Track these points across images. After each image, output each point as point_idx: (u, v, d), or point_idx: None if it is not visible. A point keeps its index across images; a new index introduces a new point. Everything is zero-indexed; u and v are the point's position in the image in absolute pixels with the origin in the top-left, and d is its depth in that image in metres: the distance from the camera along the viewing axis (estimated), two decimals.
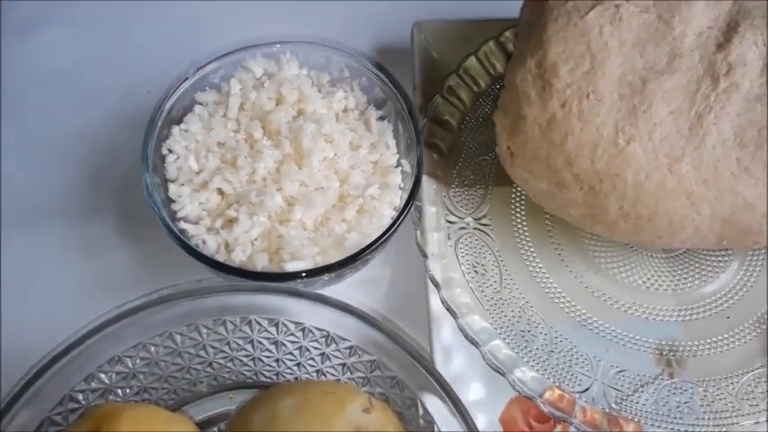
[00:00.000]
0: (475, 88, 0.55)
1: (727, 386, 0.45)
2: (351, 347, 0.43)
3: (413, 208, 0.48)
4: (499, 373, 0.44)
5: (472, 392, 0.46)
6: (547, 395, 0.43)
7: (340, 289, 0.48)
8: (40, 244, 0.53)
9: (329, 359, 0.44)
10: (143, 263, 0.52)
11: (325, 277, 0.43)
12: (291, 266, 0.42)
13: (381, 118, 0.50)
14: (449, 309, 0.45)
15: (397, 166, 0.49)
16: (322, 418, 0.37)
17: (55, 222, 0.53)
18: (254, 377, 0.45)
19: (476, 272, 0.49)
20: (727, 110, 0.43)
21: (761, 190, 0.42)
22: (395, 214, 0.47)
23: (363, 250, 0.43)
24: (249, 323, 0.43)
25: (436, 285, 0.46)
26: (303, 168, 0.46)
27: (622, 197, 0.43)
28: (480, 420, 0.45)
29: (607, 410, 0.43)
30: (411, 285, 0.50)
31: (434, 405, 0.40)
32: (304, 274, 0.42)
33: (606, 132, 0.43)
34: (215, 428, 0.46)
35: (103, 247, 0.52)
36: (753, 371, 0.46)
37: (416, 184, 0.46)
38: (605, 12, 0.45)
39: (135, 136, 0.48)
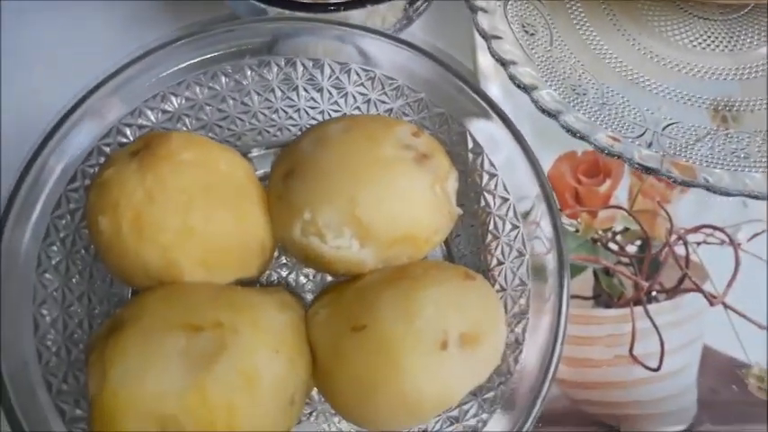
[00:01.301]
0: None
1: None
2: (397, 88, 0.41)
3: None
4: (550, 116, 0.42)
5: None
6: (600, 135, 0.42)
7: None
8: None
9: (375, 106, 0.43)
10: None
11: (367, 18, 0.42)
12: None
13: None
14: (499, 59, 0.44)
15: None
16: (370, 136, 0.36)
17: None
18: (299, 132, 0.45)
19: (525, 32, 0.47)
20: None
21: None
22: None
23: None
24: (294, 64, 0.42)
25: (485, 37, 0.45)
26: None
27: None
28: (523, 176, 0.44)
29: (662, 154, 0.42)
30: (458, 48, 0.48)
31: (483, 131, 0.39)
32: (346, 5, 0.40)
33: None
34: None
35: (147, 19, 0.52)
36: None
37: None
38: None
39: None
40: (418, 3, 0.45)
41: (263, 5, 0.42)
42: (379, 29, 0.40)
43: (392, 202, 0.34)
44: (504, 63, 0.44)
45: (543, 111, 0.42)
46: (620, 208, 0.44)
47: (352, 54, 0.41)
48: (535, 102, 0.43)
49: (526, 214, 0.37)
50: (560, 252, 0.35)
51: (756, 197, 0.40)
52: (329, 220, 0.34)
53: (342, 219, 0.34)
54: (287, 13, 0.42)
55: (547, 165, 0.45)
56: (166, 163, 0.34)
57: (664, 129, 0.44)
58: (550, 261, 0.35)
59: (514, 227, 0.37)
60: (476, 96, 0.38)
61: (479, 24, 0.45)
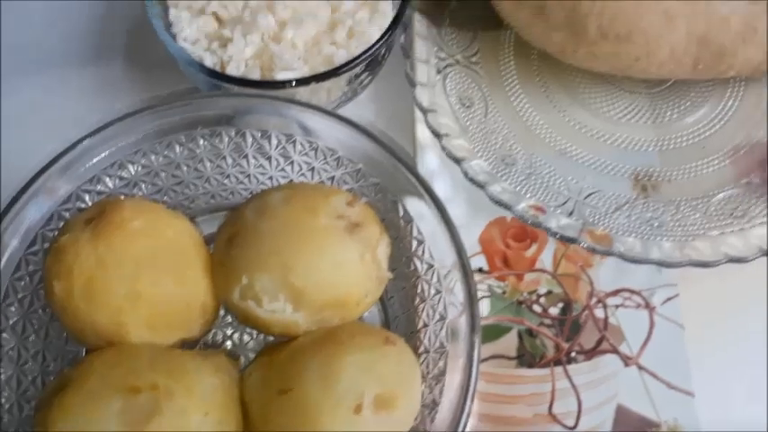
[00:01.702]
0: None
1: (698, 205, 0.48)
2: (338, 159, 0.45)
3: (404, 41, 0.51)
4: (478, 186, 0.46)
5: (453, 214, 0.46)
6: (522, 206, 0.46)
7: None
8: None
9: (319, 173, 0.46)
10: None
11: (313, 94, 0.46)
12: (281, 76, 0.45)
13: None
14: (433, 132, 0.48)
15: None
16: (307, 207, 0.39)
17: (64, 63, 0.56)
18: (249, 195, 0.48)
19: (462, 104, 0.51)
20: None
21: (734, 4, 0.44)
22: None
23: (349, 62, 0.45)
24: (243, 135, 0.45)
25: (423, 111, 0.49)
26: None
27: (601, 15, 0.45)
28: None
29: (581, 222, 0.46)
30: (399, 119, 0.52)
31: (412, 202, 0.43)
32: (294, 83, 0.44)
33: None
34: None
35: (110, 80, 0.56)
36: (723, 191, 0.48)
37: (401, 10, 0.47)
38: None
39: None
40: (362, 77, 0.49)
41: (217, 81, 0.46)
42: (320, 106, 0.43)
43: (324, 269, 0.37)
44: (438, 135, 0.47)
45: (472, 181, 0.46)
46: (545, 271, 0.47)
47: (297, 127, 0.45)
48: (465, 173, 0.46)
49: (446, 279, 0.41)
50: (472, 316, 0.38)
51: (664, 265, 0.44)
52: (265, 285, 0.37)
53: (277, 285, 0.37)
54: (238, 89, 0.45)
55: (479, 229, 0.49)
56: (118, 231, 0.38)
57: (586, 197, 0.48)
58: (463, 324, 0.38)
59: (437, 291, 0.41)
60: (407, 173, 0.42)
61: (417, 98, 0.49)
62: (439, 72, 0.52)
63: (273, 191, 0.42)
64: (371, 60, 0.47)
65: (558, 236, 0.45)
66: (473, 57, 0.53)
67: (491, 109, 0.51)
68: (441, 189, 0.49)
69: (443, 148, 0.47)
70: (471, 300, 0.38)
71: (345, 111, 0.52)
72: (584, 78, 0.52)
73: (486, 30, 0.53)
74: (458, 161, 0.47)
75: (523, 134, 0.51)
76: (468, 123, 0.50)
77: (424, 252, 0.42)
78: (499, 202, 0.45)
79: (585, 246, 0.44)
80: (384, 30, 0.47)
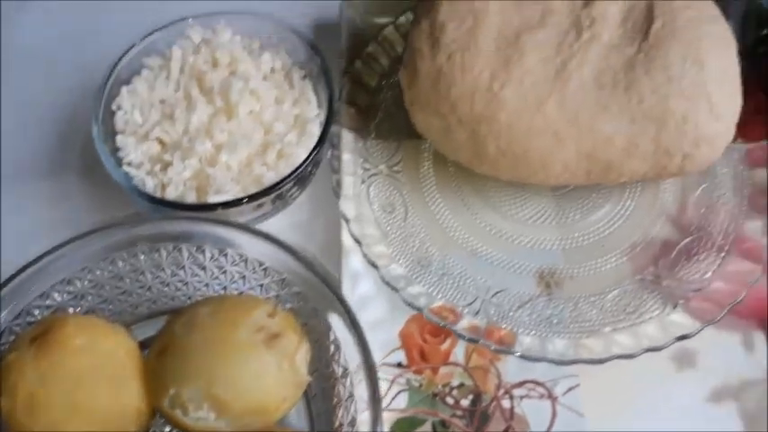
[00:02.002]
0: (392, 53, 0.63)
1: (595, 301, 0.52)
2: (265, 269, 0.50)
3: (331, 156, 0.56)
4: (393, 289, 0.51)
5: (376, 312, 0.53)
6: (433, 306, 0.50)
7: (267, 228, 0.56)
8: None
9: (249, 281, 0.51)
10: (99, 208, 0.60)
11: (245, 209, 0.51)
12: (214, 198, 0.50)
13: (304, 77, 0.58)
14: (355, 239, 0.53)
15: (316, 118, 0.56)
16: (231, 322, 0.44)
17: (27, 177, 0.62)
18: (188, 300, 0.53)
19: (384, 210, 0.56)
20: (588, 57, 0.49)
21: (617, 125, 0.49)
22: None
23: (276, 184, 0.50)
24: (180, 250, 0.50)
25: (346, 220, 0.54)
26: (231, 120, 0.54)
27: (498, 137, 0.50)
28: (381, 335, 0.52)
29: (485, 321, 0.51)
30: (329, 225, 0.57)
31: (331, 313, 0.47)
32: (223, 205, 0.49)
33: (483, 80, 0.50)
34: None
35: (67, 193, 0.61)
36: (619, 288, 0.53)
37: (325, 131, 0.53)
38: None
39: None
40: (293, 190, 0.54)
41: (154, 205, 0.51)
42: (248, 226, 0.49)
43: (243, 380, 0.42)
44: (358, 242, 0.52)
45: (388, 285, 0.51)
46: (458, 365, 0.52)
47: (228, 242, 0.50)
48: (382, 278, 0.51)
49: (357, 382, 0.45)
50: (375, 413, 0.42)
51: (558, 363, 0.48)
52: (191, 396, 0.42)
53: (201, 395, 0.42)
54: (174, 212, 0.51)
55: (399, 325, 0.53)
56: (60, 349, 0.43)
57: (492, 296, 0.53)
58: (365, 421, 0.42)
59: (350, 395, 0.45)
60: (325, 287, 0.47)
61: (341, 209, 0.54)
62: (363, 182, 0.57)
63: (201, 305, 0.46)
64: (299, 178, 0.53)
65: (464, 337, 0.49)
66: (396, 165, 0.59)
67: (410, 213, 0.57)
68: (364, 288, 0.54)
69: (363, 255, 0.52)
70: (375, 402, 0.43)
71: (279, 218, 0.57)
72: (494, 184, 0.57)
73: (409, 139, 0.59)
74: (375, 267, 0.51)
75: (439, 236, 0.56)
76: (388, 228, 0.55)
77: (340, 356, 0.47)
78: (411, 305, 0.50)
79: (487, 346, 0.49)
80: (310, 150, 0.53)
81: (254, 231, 0.49)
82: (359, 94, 0.61)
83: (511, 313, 0.52)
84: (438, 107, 0.51)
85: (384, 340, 0.53)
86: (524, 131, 0.50)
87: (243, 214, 0.53)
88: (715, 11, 0.52)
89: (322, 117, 0.56)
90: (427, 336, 0.53)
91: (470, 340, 0.49)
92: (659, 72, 0.48)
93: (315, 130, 0.55)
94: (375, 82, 0.62)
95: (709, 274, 0.52)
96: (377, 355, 0.52)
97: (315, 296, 0.48)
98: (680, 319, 0.50)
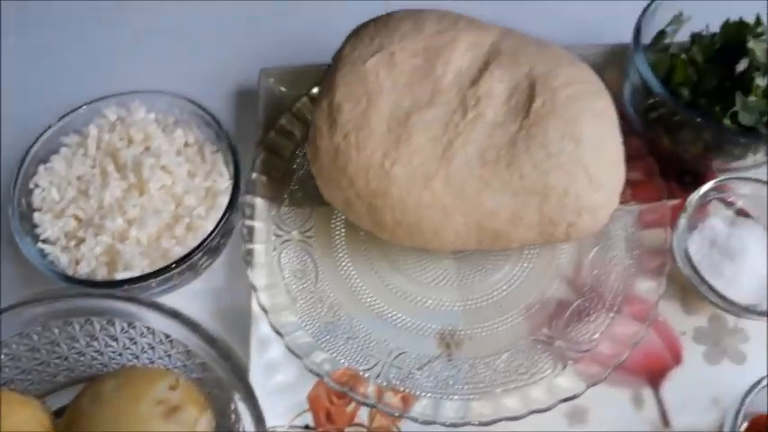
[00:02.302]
0: (306, 124, 0.65)
1: (489, 362, 0.55)
2: (171, 341, 0.52)
3: (242, 226, 0.59)
4: (297, 356, 0.53)
5: (285, 375, 0.56)
6: (334, 372, 0.53)
7: (181, 294, 0.59)
8: None
9: (158, 352, 0.54)
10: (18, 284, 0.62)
11: (153, 283, 0.54)
12: (121, 275, 0.53)
13: (216, 151, 0.61)
14: (262, 308, 0.55)
15: (227, 191, 0.59)
16: (134, 396, 0.47)
17: None
18: (104, 368, 0.55)
19: (295, 276, 0.59)
20: (473, 135, 0.53)
21: (500, 199, 0.52)
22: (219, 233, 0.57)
23: (183, 258, 0.53)
24: (92, 323, 0.53)
25: (254, 289, 0.56)
26: (143, 195, 0.57)
27: (392, 210, 0.53)
28: (290, 398, 0.55)
29: (385, 384, 0.53)
30: (241, 292, 0.59)
31: (232, 383, 0.50)
32: (130, 281, 0.52)
33: (376, 158, 0.53)
34: None
35: None
36: (512, 348, 0.56)
37: (231, 203, 0.56)
38: (382, 58, 0.55)
39: None
40: (203, 260, 0.57)
41: (64, 282, 0.54)
42: (154, 301, 0.51)
43: None
44: (265, 311, 0.55)
45: (291, 352, 0.54)
46: (362, 425, 0.54)
47: (136, 316, 0.52)
48: (286, 346, 0.54)
49: None
50: None
51: (450, 426, 0.51)
52: None
53: None
54: (87, 289, 0.53)
55: (308, 388, 0.56)
56: None
57: (395, 358, 0.55)
58: None
59: None
60: (224, 362, 0.49)
61: (249, 277, 0.57)
62: (275, 249, 0.60)
63: (108, 377, 0.49)
64: (209, 249, 0.56)
65: (362, 402, 0.52)
66: (308, 231, 0.61)
67: (321, 278, 0.59)
68: (274, 353, 0.57)
69: (269, 323, 0.55)
70: None
71: (194, 284, 0.60)
72: (400, 248, 0.60)
73: (321, 205, 0.62)
74: (280, 335, 0.54)
75: (348, 300, 0.59)
76: (298, 294, 0.58)
77: (240, 426, 0.49)
78: (313, 372, 0.53)
79: (383, 410, 0.51)
80: (216, 223, 0.56)
81: (159, 307, 0.51)
82: (274, 163, 0.64)
83: (411, 375, 0.55)
84: (338, 182, 0.55)
85: (293, 403, 0.55)
86: (415, 205, 0.53)
87: (150, 287, 0.55)
88: (596, 86, 0.56)
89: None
90: (334, 398, 0.55)
91: (369, 405, 0.52)
92: (539, 149, 0.52)
93: (224, 202, 0.58)
94: (289, 152, 0.65)
95: (598, 334, 0.56)
96: (285, 419, 0.55)
97: (218, 367, 0.51)
98: (566, 382, 0.53)
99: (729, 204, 0.63)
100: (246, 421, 0.49)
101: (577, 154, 0.52)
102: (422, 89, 0.54)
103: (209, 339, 0.50)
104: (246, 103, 0.69)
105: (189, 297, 0.59)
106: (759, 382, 0.52)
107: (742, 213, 0.62)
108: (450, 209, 0.53)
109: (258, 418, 0.47)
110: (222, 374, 0.50)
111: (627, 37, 0.63)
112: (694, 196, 0.59)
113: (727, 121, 0.58)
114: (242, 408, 0.49)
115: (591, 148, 0.52)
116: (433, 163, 0.53)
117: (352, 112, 0.54)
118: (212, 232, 0.54)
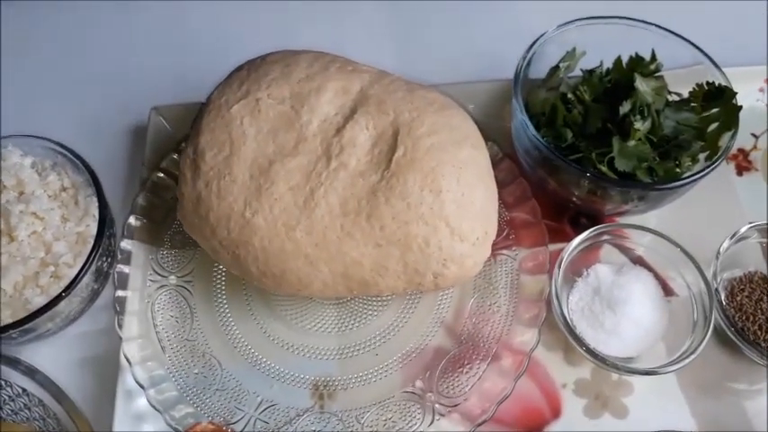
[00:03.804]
0: None
1: (359, 415, 0.54)
2: (28, 394, 0.51)
3: (114, 271, 0.58)
4: (158, 411, 0.52)
5: (156, 425, 0.54)
6: (196, 428, 0.52)
7: (52, 342, 0.58)
8: None
9: (18, 404, 0.53)
10: None
11: (14, 334, 0.52)
12: None
13: (90, 195, 0.59)
14: (127, 359, 0.54)
15: None
16: None
17: None
18: None
19: (168, 324, 0.58)
20: (335, 185, 0.52)
21: (362, 249, 0.51)
22: (91, 279, 0.56)
23: (40, 310, 0.52)
24: None
25: (121, 338, 0.55)
26: (12, 242, 0.55)
27: (256, 260, 0.52)
28: None
29: None
30: (116, 340, 0.57)
31: None
32: None
33: (237, 207, 0.52)
34: None
35: None
36: (383, 401, 0.54)
37: (94, 249, 0.55)
38: (248, 104, 0.54)
39: None
40: (73, 306, 0.56)
41: None
42: (10, 357, 0.50)
43: None
44: (129, 363, 0.54)
45: (153, 407, 0.52)
46: None
47: None
48: (148, 400, 0.53)
49: None
50: None
51: None
52: None
53: None
54: None
55: None
56: None
57: (262, 411, 0.54)
58: None
59: None
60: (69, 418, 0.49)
61: (116, 327, 0.56)
62: (150, 296, 0.59)
63: None
64: (80, 296, 0.55)
65: None
66: (187, 276, 0.60)
67: (195, 326, 0.58)
68: (143, 404, 0.55)
69: (132, 375, 0.54)
70: None
71: (68, 329, 0.58)
72: (282, 295, 0.59)
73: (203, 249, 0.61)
74: (143, 388, 0.53)
75: (222, 348, 0.57)
76: (168, 344, 0.57)
77: None
78: (171, 426, 0.52)
79: None
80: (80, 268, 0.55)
81: (15, 363, 0.50)
82: (156, 204, 0.63)
83: (278, 430, 0.53)
84: (202, 230, 0.54)
85: None
86: (278, 255, 0.52)
87: (12, 338, 0.54)
88: (463, 134, 0.54)
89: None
90: None
91: None
92: (398, 200, 0.51)
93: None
94: (172, 193, 0.63)
95: (469, 388, 0.54)
96: None
97: (68, 421, 0.50)
98: None
99: (627, 251, 0.62)
100: None
101: (437, 205, 0.51)
102: (286, 137, 0.53)
103: (56, 394, 0.49)
104: (141, 142, 0.67)
105: (61, 344, 0.58)
106: None
107: (640, 262, 0.61)
108: (313, 258, 0.52)
109: None
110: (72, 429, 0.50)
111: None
112: (572, 243, 0.58)
113: (603, 167, 0.57)
114: None
115: (452, 199, 0.51)
116: (294, 212, 0.52)
117: (215, 159, 0.53)
118: (73, 281, 0.53)
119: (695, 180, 0.56)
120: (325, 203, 0.52)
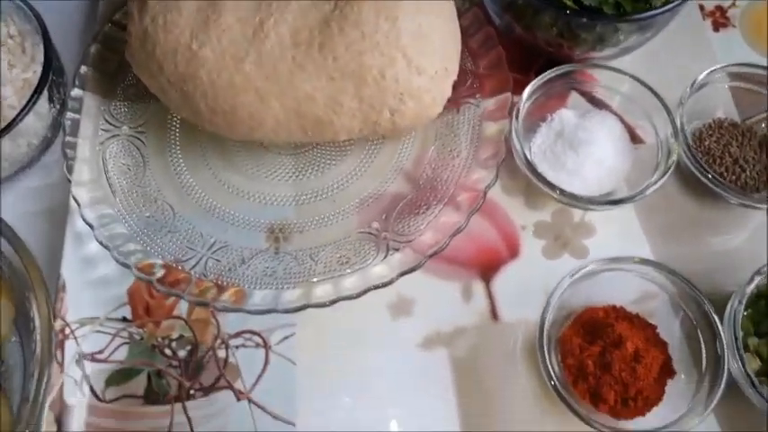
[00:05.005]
0: None
1: (312, 254, 0.54)
2: None
3: (64, 119, 0.57)
4: (106, 247, 0.52)
5: (105, 269, 0.54)
6: (141, 263, 0.51)
7: (4, 195, 0.57)
8: None
9: None
10: None
11: None
12: None
13: (38, 43, 0.57)
14: (75, 200, 0.54)
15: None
16: None
17: None
18: None
19: (120, 171, 0.57)
20: (286, 15, 0.50)
21: (315, 83, 0.50)
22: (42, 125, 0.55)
23: None
24: None
25: (70, 181, 0.54)
26: None
27: (205, 95, 0.51)
28: (110, 291, 0.54)
29: (203, 276, 0.52)
30: (65, 192, 0.56)
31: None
32: None
33: (183, 39, 0.50)
34: None
35: None
36: (336, 241, 0.54)
37: (36, 91, 0.54)
38: None
39: None
40: (27, 151, 0.55)
41: None
42: None
43: None
44: (78, 204, 0.53)
45: (101, 244, 0.52)
46: (180, 318, 0.53)
47: None
48: (96, 237, 0.52)
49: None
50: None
51: (252, 313, 0.50)
52: None
53: None
54: None
55: (129, 282, 0.54)
56: None
57: (215, 252, 0.54)
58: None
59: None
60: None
61: (65, 170, 0.55)
62: (101, 144, 0.57)
63: None
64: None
65: (158, 288, 0.51)
66: (141, 127, 0.59)
67: (148, 174, 0.57)
68: (95, 247, 0.54)
69: (81, 215, 0.53)
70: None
71: (18, 181, 0.58)
72: (238, 146, 0.58)
73: (158, 101, 0.59)
74: (91, 227, 0.52)
75: (175, 195, 0.57)
76: (119, 189, 0.56)
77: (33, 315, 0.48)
78: (119, 261, 0.51)
79: (178, 296, 0.50)
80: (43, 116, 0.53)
81: None
82: (107, 57, 0.61)
83: (231, 269, 0.53)
84: (149, 67, 0.52)
85: (111, 296, 0.54)
86: (227, 89, 0.50)
87: None
88: None
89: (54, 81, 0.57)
90: (153, 291, 0.54)
91: (176, 295, 0.50)
92: (352, 28, 0.49)
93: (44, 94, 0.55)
94: (124, 47, 0.61)
95: (424, 225, 0.54)
96: (102, 311, 0.53)
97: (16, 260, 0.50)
98: (382, 271, 0.51)
99: (595, 100, 0.61)
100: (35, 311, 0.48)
101: (394, 34, 0.49)
102: None
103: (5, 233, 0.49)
104: None
105: (14, 196, 0.57)
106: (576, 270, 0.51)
107: (598, 103, 0.60)
108: (263, 92, 0.50)
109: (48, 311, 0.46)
110: (20, 267, 0.50)
111: None
112: (535, 84, 0.57)
113: (568, 2, 0.55)
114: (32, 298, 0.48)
115: (409, 28, 0.50)
116: (243, 43, 0.50)
117: None
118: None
119: (664, 12, 0.54)
120: (275, 34, 0.50)
